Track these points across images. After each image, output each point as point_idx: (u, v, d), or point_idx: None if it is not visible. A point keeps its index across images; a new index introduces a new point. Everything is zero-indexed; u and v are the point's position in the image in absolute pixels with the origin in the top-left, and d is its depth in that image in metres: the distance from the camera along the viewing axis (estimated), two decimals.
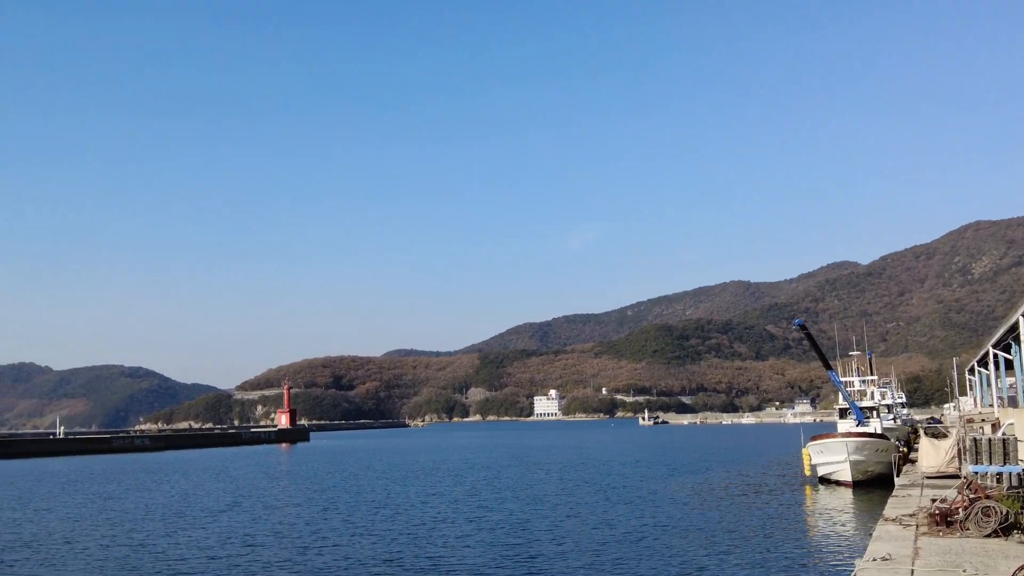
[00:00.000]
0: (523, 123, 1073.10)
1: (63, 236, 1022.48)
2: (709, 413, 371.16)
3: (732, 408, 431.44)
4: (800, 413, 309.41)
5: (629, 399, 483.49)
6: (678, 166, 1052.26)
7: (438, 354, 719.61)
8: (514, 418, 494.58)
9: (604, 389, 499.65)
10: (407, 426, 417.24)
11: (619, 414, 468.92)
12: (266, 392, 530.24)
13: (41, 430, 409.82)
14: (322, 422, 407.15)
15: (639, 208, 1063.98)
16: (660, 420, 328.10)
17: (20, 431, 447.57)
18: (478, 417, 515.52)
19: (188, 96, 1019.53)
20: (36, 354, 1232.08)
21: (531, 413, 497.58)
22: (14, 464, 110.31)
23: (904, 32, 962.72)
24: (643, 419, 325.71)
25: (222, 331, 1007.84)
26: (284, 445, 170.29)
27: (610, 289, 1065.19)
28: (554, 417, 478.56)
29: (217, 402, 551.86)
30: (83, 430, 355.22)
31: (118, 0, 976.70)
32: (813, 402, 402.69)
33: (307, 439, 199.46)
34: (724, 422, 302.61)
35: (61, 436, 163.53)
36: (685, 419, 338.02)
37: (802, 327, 60.38)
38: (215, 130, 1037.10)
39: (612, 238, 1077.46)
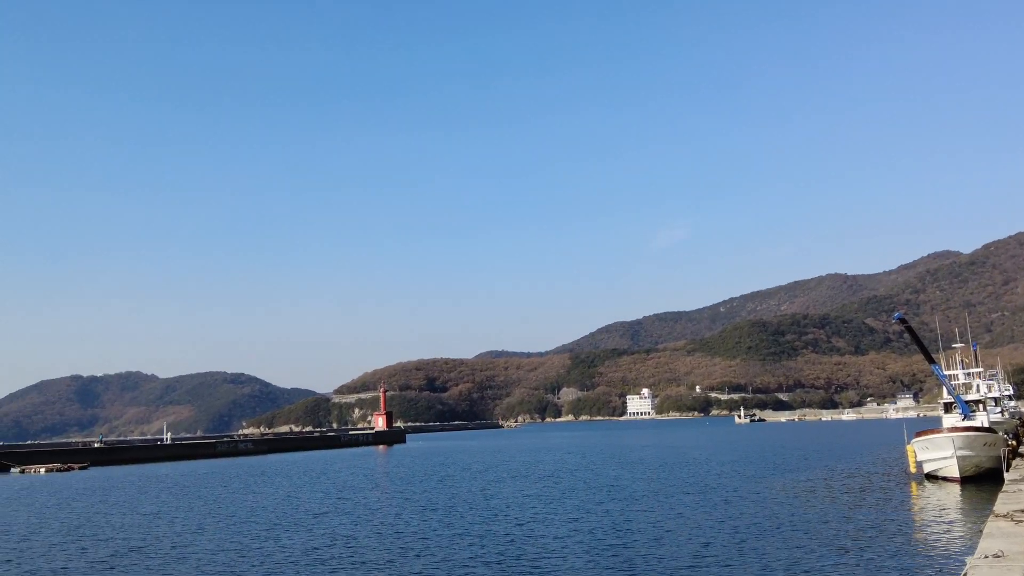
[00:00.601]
0: (608, 121, 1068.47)
1: (169, 251, 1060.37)
2: (807, 410, 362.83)
3: (831, 404, 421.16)
4: (902, 408, 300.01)
5: (724, 397, 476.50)
6: (767, 157, 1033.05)
7: (529, 355, 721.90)
8: (607, 417, 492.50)
9: (698, 387, 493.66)
10: (500, 427, 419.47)
11: (714, 412, 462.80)
12: (362, 395, 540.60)
13: (149, 436, 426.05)
14: (417, 424, 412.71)
15: (729, 202, 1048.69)
16: (757, 418, 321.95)
17: (129, 437, 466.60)
18: (571, 417, 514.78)
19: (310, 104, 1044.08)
20: (143, 363, 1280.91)
21: (624, 412, 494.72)
22: (125, 469, 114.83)
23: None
24: (739, 417, 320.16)
25: (319, 336, 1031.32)
26: (381, 447, 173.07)
27: (701, 286, 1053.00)
28: (647, 416, 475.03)
29: (316, 406, 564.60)
30: (189, 435, 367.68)
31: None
32: (916, 396, 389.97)
33: (403, 441, 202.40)
34: (823, 419, 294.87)
35: (168, 442, 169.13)
36: (782, 416, 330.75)
37: (902, 320, 58.61)
38: (318, 141, 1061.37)
39: (701, 233, 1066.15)
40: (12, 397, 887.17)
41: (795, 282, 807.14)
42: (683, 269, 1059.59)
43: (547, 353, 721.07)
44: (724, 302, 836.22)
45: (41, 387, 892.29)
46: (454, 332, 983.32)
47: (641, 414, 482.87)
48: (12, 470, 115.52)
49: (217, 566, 32.17)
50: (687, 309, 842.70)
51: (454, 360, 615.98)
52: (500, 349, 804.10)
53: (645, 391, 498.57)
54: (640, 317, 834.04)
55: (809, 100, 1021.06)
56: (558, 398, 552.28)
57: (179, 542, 39.03)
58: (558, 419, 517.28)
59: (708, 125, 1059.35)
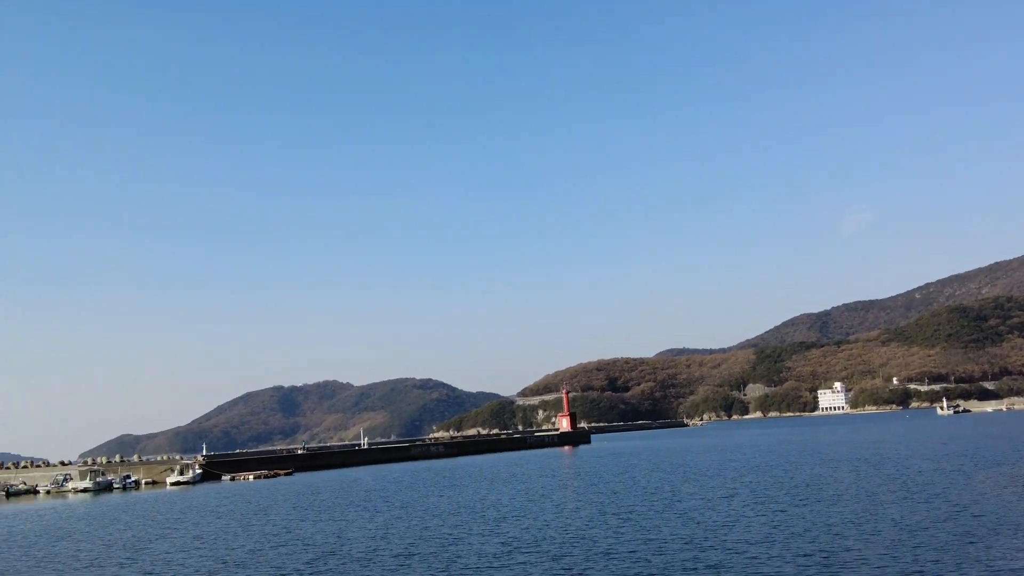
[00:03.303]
0: (788, 105, 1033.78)
1: (361, 262, 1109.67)
2: (1016, 398, 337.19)
3: None
4: None
5: (923, 388, 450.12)
6: (957, 131, 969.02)
7: (711, 351, 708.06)
8: (797, 413, 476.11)
9: (894, 379, 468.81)
10: (685, 425, 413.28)
11: (913, 404, 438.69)
12: (545, 397, 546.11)
13: (346, 442, 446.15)
14: (600, 424, 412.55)
15: (919, 181, 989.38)
16: (961, 408, 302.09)
17: (329, 444, 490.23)
18: (759, 414, 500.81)
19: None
20: (337, 372, 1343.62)
21: (815, 408, 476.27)
22: (328, 474, 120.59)
23: None
24: (941, 408, 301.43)
25: (501, 341, 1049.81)
26: (567, 448, 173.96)
27: (893, 272, 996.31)
28: (841, 411, 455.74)
29: (501, 408, 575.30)
30: (383, 440, 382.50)
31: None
32: None
33: (588, 441, 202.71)
34: None
35: (365, 447, 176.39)
36: (989, 406, 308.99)
37: None
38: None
39: (891, 217, 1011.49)
40: (220, 409, 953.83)
41: (996, 263, 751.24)
42: (873, 255, 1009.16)
43: (730, 349, 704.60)
44: (919, 288, 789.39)
45: (247, 399, 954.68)
46: (634, 331, 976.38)
47: (834, 409, 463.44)
48: (223, 478, 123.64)
49: (415, 560, 32.94)
50: (879, 297, 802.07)
51: (635, 359, 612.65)
52: (681, 347, 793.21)
53: (837, 385, 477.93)
54: (828, 308, 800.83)
55: (999, 72, 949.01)
56: (744, 395, 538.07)
57: (389, 539, 40.35)
58: (745, 416, 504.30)
59: (888, 101, 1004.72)
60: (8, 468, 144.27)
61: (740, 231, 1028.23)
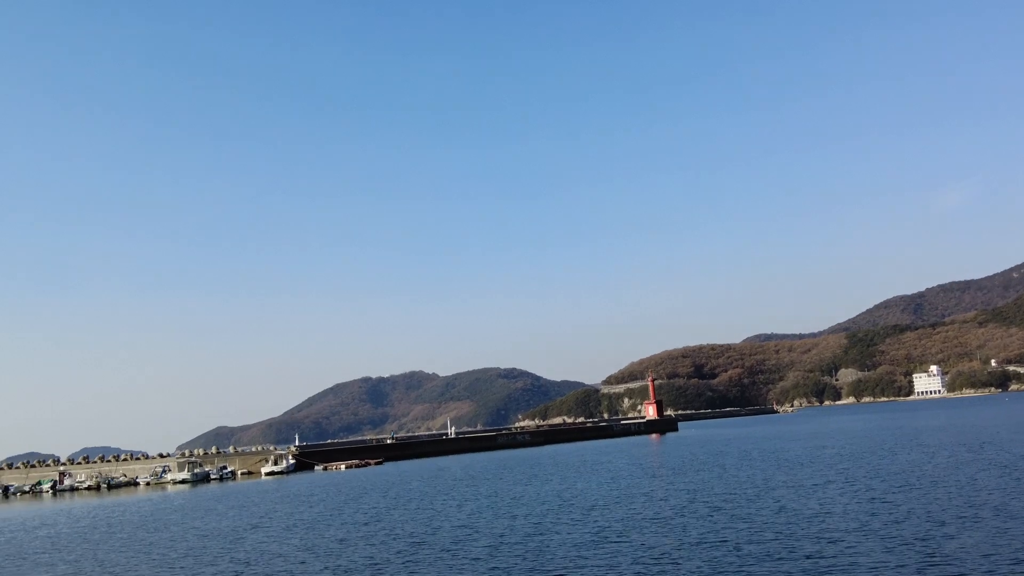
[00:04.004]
0: (878, 83, 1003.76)
1: (445, 256, 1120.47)
2: None
3: None
4: None
5: (1023, 370, 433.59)
6: None
7: (800, 336, 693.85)
8: (891, 398, 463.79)
9: (992, 361, 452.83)
10: (775, 412, 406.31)
11: (1013, 387, 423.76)
12: (630, 385, 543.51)
13: (433, 431, 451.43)
14: (687, 411, 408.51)
15: (1016, 158, 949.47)
16: None
17: (416, 433, 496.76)
18: (851, 399, 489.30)
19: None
20: (423, 363, 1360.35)
21: (910, 392, 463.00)
22: (416, 464, 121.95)
23: None
24: None
25: (584, 329, 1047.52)
26: (654, 436, 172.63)
27: (989, 251, 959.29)
28: (937, 395, 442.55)
29: (586, 397, 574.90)
30: (470, 429, 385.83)
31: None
32: None
33: (675, 429, 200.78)
34: None
35: (452, 436, 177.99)
36: None
37: None
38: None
39: (988, 193, 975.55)
40: (311, 400, 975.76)
41: None
42: (968, 234, 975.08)
43: (820, 333, 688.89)
44: (1017, 266, 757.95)
45: (336, 390, 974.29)
46: (719, 317, 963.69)
47: (930, 393, 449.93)
48: (316, 468, 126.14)
49: (502, 548, 32.93)
50: (975, 277, 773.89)
51: (721, 346, 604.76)
52: (769, 332, 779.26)
53: (933, 368, 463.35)
54: (922, 289, 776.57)
55: None
56: (836, 380, 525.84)
57: (467, 528, 40.51)
58: (837, 402, 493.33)
59: (982, 77, 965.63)
60: (109, 461, 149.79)
61: (828, 213, 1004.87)
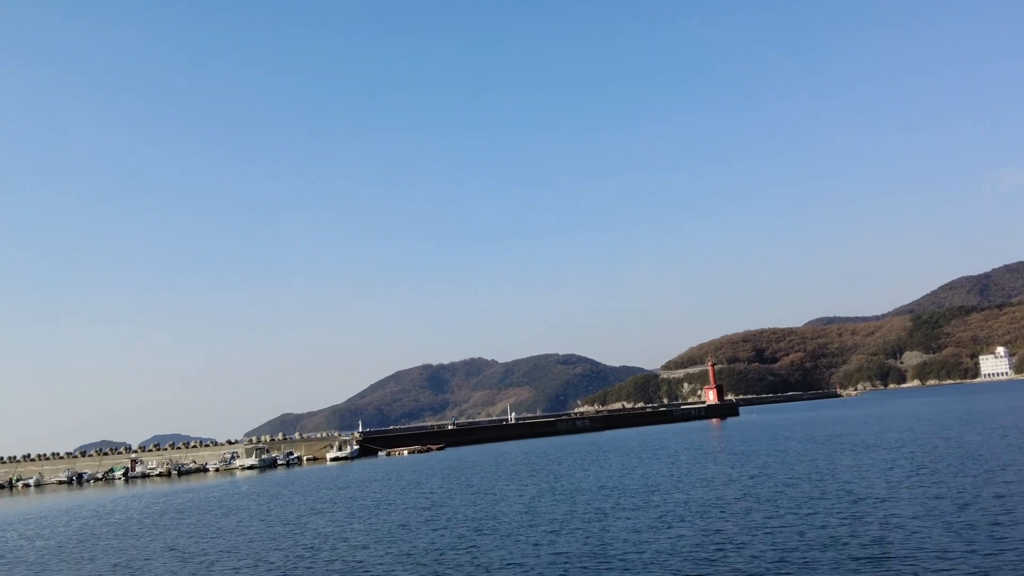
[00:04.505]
0: (943, 59, 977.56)
1: (503, 243, 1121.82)
2: None
3: None
4: None
5: None
6: None
7: (863, 319, 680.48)
8: (958, 381, 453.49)
9: None
10: (838, 396, 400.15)
11: None
12: (690, 370, 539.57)
13: (494, 417, 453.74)
14: (748, 396, 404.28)
15: None
16: None
17: (477, 419, 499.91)
18: (916, 382, 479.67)
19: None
20: (482, 349, 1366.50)
21: (977, 374, 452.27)
22: (477, 449, 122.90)
23: None
24: None
25: (643, 313, 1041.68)
26: (714, 420, 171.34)
27: None
28: (1005, 377, 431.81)
29: (645, 382, 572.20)
30: (530, 415, 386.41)
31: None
32: None
33: (736, 414, 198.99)
34: None
35: (512, 421, 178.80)
36: None
37: None
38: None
39: None
40: (374, 387, 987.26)
41: None
42: None
43: (884, 316, 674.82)
44: None
45: (397, 377, 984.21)
46: (780, 300, 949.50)
47: (998, 375, 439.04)
48: (380, 453, 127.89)
49: (563, 534, 33.09)
50: None
51: (782, 329, 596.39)
52: (831, 315, 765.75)
53: (1000, 350, 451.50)
54: (988, 269, 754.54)
55: None
56: (901, 363, 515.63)
57: (541, 513, 40.78)
58: (902, 385, 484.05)
59: None
60: (179, 448, 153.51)
61: (889, 193, 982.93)
